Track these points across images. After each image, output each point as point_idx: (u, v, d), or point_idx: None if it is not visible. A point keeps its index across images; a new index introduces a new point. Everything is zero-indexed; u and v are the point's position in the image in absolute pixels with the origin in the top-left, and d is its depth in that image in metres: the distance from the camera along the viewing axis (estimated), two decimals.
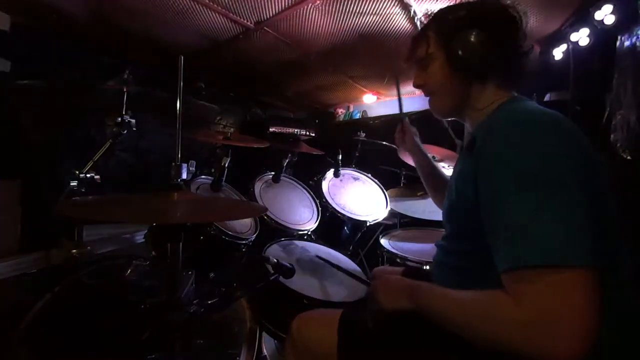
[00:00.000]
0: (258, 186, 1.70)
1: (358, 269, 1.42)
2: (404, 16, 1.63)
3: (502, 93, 0.77)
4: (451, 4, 0.96)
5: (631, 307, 0.61)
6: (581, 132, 0.62)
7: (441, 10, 0.83)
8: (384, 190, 1.95)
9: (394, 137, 1.31)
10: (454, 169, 0.92)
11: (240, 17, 1.68)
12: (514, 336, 0.51)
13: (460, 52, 0.74)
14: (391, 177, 2.21)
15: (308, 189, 1.88)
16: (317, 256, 1.35)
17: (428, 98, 0.87)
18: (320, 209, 1.77)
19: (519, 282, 0.52)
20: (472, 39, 0.73)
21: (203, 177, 1.59)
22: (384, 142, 2.04)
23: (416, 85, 0.87)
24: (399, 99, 1.31)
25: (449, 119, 0.92)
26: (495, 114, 0.73)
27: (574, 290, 0.49)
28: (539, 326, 0.49)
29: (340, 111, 3.48)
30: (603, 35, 1.49)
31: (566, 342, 0.47)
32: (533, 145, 0.58)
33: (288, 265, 1.09)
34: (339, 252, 1.51)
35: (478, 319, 0.57)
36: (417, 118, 2.76)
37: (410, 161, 1.86)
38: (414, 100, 2.83)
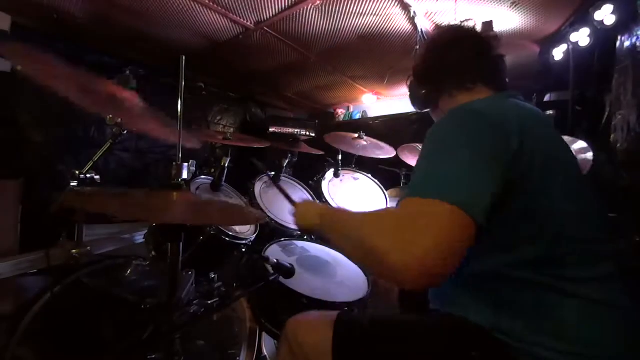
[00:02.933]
0: (258, 186, 1.69)
1: (358, 268, 1.42)
2: (404, 16, 1.63)
3: (472, 97, 0.82)
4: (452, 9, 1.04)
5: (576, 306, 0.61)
6: (526, 125, 0.67)
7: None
8: (384, 190, 1.95)
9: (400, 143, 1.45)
10: None
11: (240, 17, 1.68)
12: (374, 239, 0.59)
13: (416, 72, 0.95)
14: (391, 177, 2.21)
15: (308, 189, 1.88)
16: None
17: None
18: None
19: (409, 202, 0.60)
20: (414, 83, 0.96)
21: (203, 177, 1.59)
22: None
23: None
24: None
25: None
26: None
27: (435, 220, 0.55)
28: (392, 233, 0.57)
29: (340, 111, 3.48)
30: (603, 36, 1.49)
31: (417, 252, 0.53)
32: (448, 124, 0.70)
33: (288, 265, 1.09)
34: (339, 252, 1.51)
35: (363, 225, 0.66)
36: (417, 118, 2.77)
37: (410, 161, 1.87)
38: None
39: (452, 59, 0.87)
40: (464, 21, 0.91)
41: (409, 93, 1.01)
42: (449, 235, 0.54)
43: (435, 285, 0.57)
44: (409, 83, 1.00)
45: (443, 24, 0.98)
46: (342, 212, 0.84)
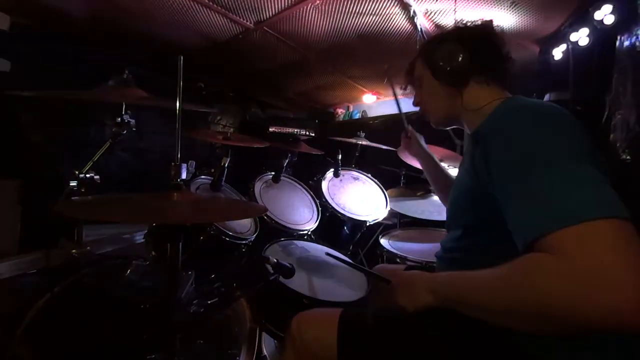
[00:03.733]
0: (258, 186, 1.69)
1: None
2: (404, 16, 1.63)
3: (498, 94, 0.80)
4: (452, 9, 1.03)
5: None
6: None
7: (424, 42, 0.98)
8: (384, 190, 1.95)
9: (399, 143, 1.40)
10: (459, 168, 0.95)
11: (240, 17, 1.68)
12: (567, 292, 0.45)
13: (437, 62, 0.85)
14: (391, 177, 2.21)
15: (308, 189, 1.88)
16: (327, 253, 1.34)
17: (425, 115, 0.99)
18: (320, 209, 1.77)
19: (562, 239, 0.48)
20: (447, 50, 0.84)
21: (203, 177, 1.59)
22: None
23: (415, 104, 1.03)
24: (397, 101, 1.40)
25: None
26: (497, 110, 0.75)
27: (624, 238, 0.46)
28: (595, 276, 0.44)
29: (340, 111, 3.48)
30: (603, 35, 1.49)
31: (630, 291, 0.42)
32: (544, 125, 0.61)
33: (288, 265, 1.09)
34: (339, 252, 1.51)
35: (519, 289, 0.51)
36: (417, 118, 2.77)
37: (410, 161, 1.87)
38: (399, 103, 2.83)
39: (496, 45, 0.83)
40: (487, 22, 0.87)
41: (438, 53, 0.85)
42: (632, 253, 0.45)
43: None
44: (444, 43, 0.85)
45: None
46: (455, 278, 0.66)
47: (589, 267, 0.44)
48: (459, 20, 0.90)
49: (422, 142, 1.32)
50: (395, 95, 1.42)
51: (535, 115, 0.63)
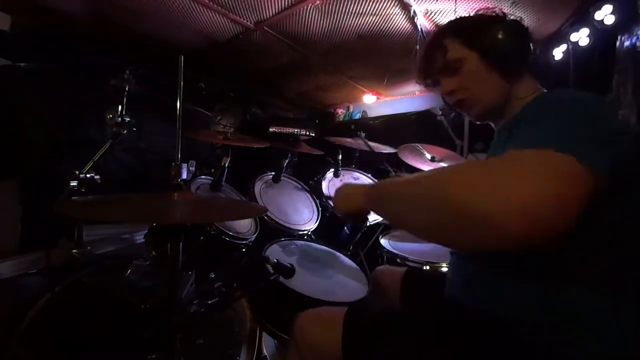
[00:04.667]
0: (258, 186, 1.70)
1: (358, 268, 1.42)
2: (404, 16, 1.63)
3: (535, 87, 0.78)
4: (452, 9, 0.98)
5: None
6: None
7: (450, 22, 0.85)
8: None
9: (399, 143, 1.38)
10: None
11: (240, 17, 1.68)
12: (470, 192, 0.48)
13: (495, 47, 0.75)
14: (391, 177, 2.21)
15: (308, 189, 1.88)
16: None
17: (463, 105, 0.84)
18: (320, 209, 1.77)
19: (510, 153, 0.52)
20: (502, 35, 0.75)
21: (203, 177, 1.59)
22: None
23: (448, 92, 0.84)
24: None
25: (451, 117, 0.92)
26: (539, 97, 0.73)
27: (550, 166, 0.48)
28: (503, 181, 0.47)
29: (340, 111, 3.48)
30: (603, 35, 1.49)
31: (516, 212, 0.44)
32: (581, 104, 0.59)
33: (288, 265, 1.09)
34: (339, 252, 1.51)
35: (442, 183, 0.54)
36: (417, 118, 2.77)
37: (410, 161, 1.87)
38: (413, 100, 2.83)
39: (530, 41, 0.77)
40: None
41: (502, 37, 0.75)
42: (554, 180, 0.46)
43: (552, 240, 0.44)
44: (494, 24, 0.77)
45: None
46: (392, 183, 0.69)
47: (492, 174, 0.48)
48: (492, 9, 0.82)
49: None
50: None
51: (576, 97, 0.61)
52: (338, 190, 0.88)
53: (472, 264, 0.77)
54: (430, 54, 0.84)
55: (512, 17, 0.80)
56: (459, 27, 0.81)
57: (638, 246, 0.58)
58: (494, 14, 0.80)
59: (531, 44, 0.78)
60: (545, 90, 0.78)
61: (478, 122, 0.87)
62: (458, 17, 0.86)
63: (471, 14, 0.84)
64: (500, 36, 0.75)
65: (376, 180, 1.94)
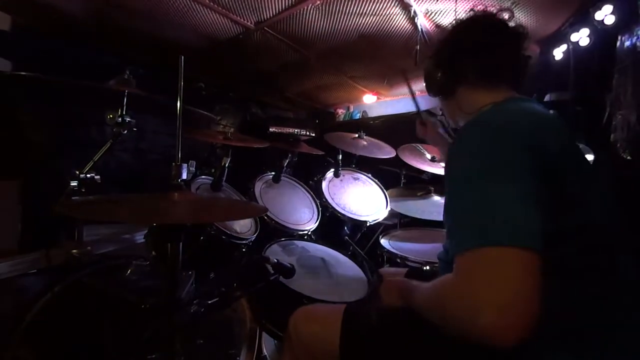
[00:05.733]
0: (258, 186, 1.70)
1: (358, 268, 1.42)
2: (404, 16, 1.63)
3: (490, 97, 0.79)
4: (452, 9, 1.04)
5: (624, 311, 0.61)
6: (546, 135, 0.64)
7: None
8: (384, 190, 1.95)
9: (399, 143, 1.44)
10: None
11: (240, 17, 1.68)
12: (451, 310, 0.54)
13: (426, 81, 0.92)
14: (391, 177, 2.21)
15: (308, 189, 1.88)
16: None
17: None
18: (320, 209, 1.77)
19: (457, 264, 0.55)
20: (426, 70, 0.90)
21: (203, 177, 1.59)
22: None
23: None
24: (414, 98, 1.45)
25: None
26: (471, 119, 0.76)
27: (510, 266, 0.50)
28: (465, 297, 0.51)
29: (340, 111, 3.48)
30: (603, 35, 1.49)
31: (488, 315, 0.48)
32: (473, 145, 0.64)
33: (288, 265, 1.09)
34: (339, 252, 1.51)
35: (433, 301, 0.62)
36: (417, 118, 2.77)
37: (410, 161, 1.87)
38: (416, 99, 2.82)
39: (483, 44, 0.81)
40: (500, 11, 0.86)
41: (424, 75, 0.92)
42: (514, 282, 0.49)
43: (531, 332, 0.48)
44: (426, 64, 0.92)
45: (477, 12, 0.88)
46: (410, 292, 0.74)
47: (467, 291, 0.51)
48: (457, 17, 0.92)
49: (440, 130, 1.37)
50: (410, 89, 1.45)
51: (481, 132, 0.65)
52: (384, 283, 0.93)
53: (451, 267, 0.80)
54: None
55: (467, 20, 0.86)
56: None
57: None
58: (451, 28, 0.89)
59: (483, 52, 0.81)
60: (492, 104, 0.78)
61: None
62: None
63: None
64: (425, 73, 0.91)
65: (381, 188, 1.96)
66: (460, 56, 0.83)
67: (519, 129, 0.64)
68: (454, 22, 0.90)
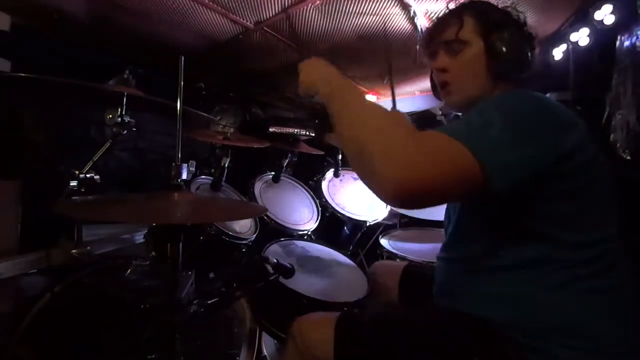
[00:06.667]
0: (258, 186, 1.70)
1: (358, 268, 1.42)
2: (404, 16, 1.63)
3: (505, 85, 0.80)
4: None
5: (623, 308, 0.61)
6: (578, 128, 0.65)
7: (480, 2, 0.82)
8: None
9: None
10: None
11: (240, 17, 1.68)
12: (382, 148, 0.56)
13: (503, 47, 0.74)
14: None
15: (308, 189, 1.88)
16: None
17: (444, 88, 0.84)
18: (320, 209, 1.77)
19: (433, 135, 0.58)
20: (513, 38, 0.75)
21: (203, 177, 1.59)
22: None
23: (438, 68, 0.82)
24: (394, 101, 1.36)
25: (451, 117, 0.94)
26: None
27: (444, 149, 0.55)
28: (396, 152, 0.54)
29: None
30: (603, 35, 1.49)
31: (394, 164, 0.53)
32: (513, 103, 0.64)
33: (288, 265, 1.09)
34: (339, 252, 1.51)
35: (373, 120, 0.63)
36: (417, 118, 2.77)
37: None
38: (413, 100, 2.82)
39: (527, 45, 0.78)
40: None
41: (508, 34, 0.75)
42: (443, 164, 0.54)
43: (406, 206, 0.55)
44: (515, 26, 0.78)
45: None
46: (348, 94, 0.74)
47: (403, 140, 0.56)
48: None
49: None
50: (393, 91, 1.39)
51: (527, 98, 0.66)
52: (306, 62, 0.87)
53: (452, 265, 0.81)
54: (446, 21, 0.81)
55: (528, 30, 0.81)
56: (484, 11, 0.79)
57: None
58: (517, 17, 0.81)
59: (531, 59, 0.79)
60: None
61: (452, 111, 0.92)
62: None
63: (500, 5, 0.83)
64: (512, 40, 0.75)
65: None
66: (530, 46, 0.78)
67: (559, 110, 0.66)
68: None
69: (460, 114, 0.90)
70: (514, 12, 0.82)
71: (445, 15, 0.83)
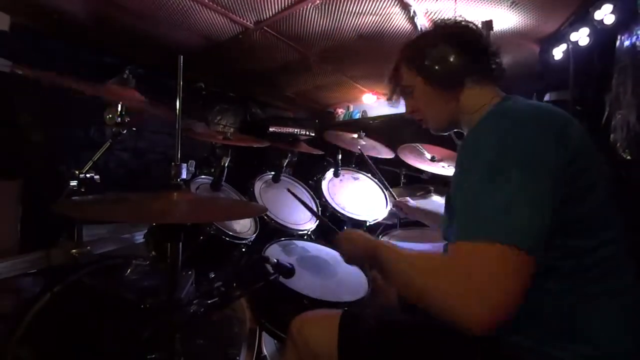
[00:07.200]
0: (258, 186, 1.69)
1: (358, 268, 1.42)
2: (404, 16, 1.63)
3: (493, 94, 0.78)
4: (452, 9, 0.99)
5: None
6: (566, 127, 0.63)
7: (405, 46, 0.89)
8: (384, 190, 1.95)
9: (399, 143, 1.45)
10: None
11: (240, 17, 1.68)
12: (438, 289, 0.56)
13: (431, 68, 0.80)
14: (391, 177, 2.21)
15: (308, 188, 1.88)
16: (288, 189, 1.36)
17: (422, 123, 0.92)
18: (320, 209, 1.77)
19: (459, 248, 0.57)
20: (437, 53, 0.79)
21: (203, 177, 1.59)
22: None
23: (409, 113, 0.93)
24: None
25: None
26: (485, 115, 0.73)
27: (502, 265, 0.52)
28: (458, 284, 0.54)
29: (340, 111, 3.48)
30: (603, 35, 1.49)
31: (478, 307, 0.51)
32: (496, 135, 0.62)
33: (288, 265, 1.09)
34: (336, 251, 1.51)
35: (416, 273, 0.63)
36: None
37: (410, 161, 1.87)
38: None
39: (484, 46, 0.79)
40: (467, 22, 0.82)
41: (432, 58, 0.79)
42: (508, 283, 0.52)
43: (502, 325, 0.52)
44: (433, 47, 0.80)
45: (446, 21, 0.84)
46: (390, 250, 0.75)
47: (463, 281, 0.54)
48: (435, 20, 0.87)
49: (412, 203, 1.42)
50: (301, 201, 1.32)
51: (514, 121, 0.64)
52: (346, 237, 0.91)
53: None
54: (392, 78, 0.93)
55: (462, 22, 0.82)
56: (411, 54, 0.85)
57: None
58: (440, 25, 0.84)
59: (481, 49, 0.79)
60: (498, 100, 0.77)
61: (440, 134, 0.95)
62: (416, 37, 0.88)
63: (423, 31, 0.91)
64: (434, 55, 0.79)
65: (381, 188, 1.95)
66: (471, 45, 0.79)
67: (551, 120, 0.64)
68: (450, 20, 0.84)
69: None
70: (437, 25, 0.85)
71: (391, 73, 0.93)
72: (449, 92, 0.81)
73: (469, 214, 0.59)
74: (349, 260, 0.92)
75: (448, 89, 0.80)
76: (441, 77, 0.79)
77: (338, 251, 0.95)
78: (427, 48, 0.81)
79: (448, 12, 1.59)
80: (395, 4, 1.53)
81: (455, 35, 0.80)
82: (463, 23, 0.83)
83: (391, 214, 1.87)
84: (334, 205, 1.74)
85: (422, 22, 1.66)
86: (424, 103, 0.86)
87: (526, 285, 0.52)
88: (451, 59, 0.78)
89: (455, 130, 0.91)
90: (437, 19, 0.87)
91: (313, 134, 2.82)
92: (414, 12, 1.57)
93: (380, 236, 1.72)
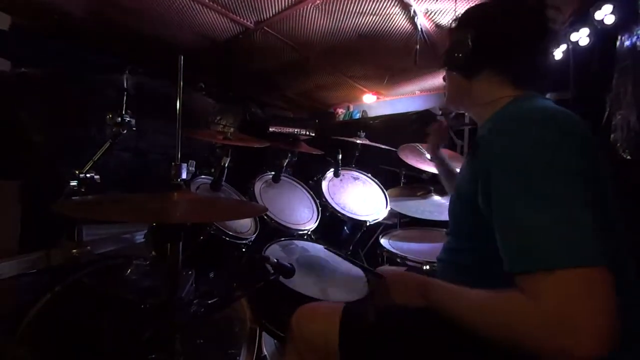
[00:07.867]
0: (258, 186, 1.69)
1: (358, 269, 1.42)
2: (404, 16, 1.63)
3: (511, 90, 0.76)
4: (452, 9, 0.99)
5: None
6: (585, 130, 0.63)
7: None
8: (384, 190, 1.95)
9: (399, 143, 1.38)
10: (460, 169, 0.94)
11: (240, 17, 1.68)
12: (534, 334, 0.50)
13: (449, 51, 0.82)
14: (391, 177, 2.21)
15: (308, 188, 1.88)
16: (325, 247, 1.35)
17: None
18: (320, 208, 1.77)
19: (536, 282, 0.52)
20: (459, 38, 0.79)
21: (203, 177, 1.59)
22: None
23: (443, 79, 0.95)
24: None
25: (451, 116, 0.95)
26: (500, 112, 0.73)
27: (591, 288, 0.49)
28: (559, 323, 0.48)
29: (340, 111, 3.48)
30: (603, 35, 1.49)
31: (587, 338, 0.47)
32: (532, 141, 0.59)
33: (288, 265, 1.09)
34: (339, 251, 1.51)
35: (493, 317, 0.57)
36: (417, 118, 2.77)
37: (410, 161, 1.87)
38: (413, 100, 2.83)
39: (532, 42, 0.74)
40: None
41: (454, 41, 0.81)
42: (599, 303, 0.49)
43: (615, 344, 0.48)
44: (460, 32, 0.79)
45: None
46: (438, 289, 0.70)
47: (554, 314, 0.49)
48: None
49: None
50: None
51: (540, 130, 0.60)
52: (393, 280, 0.83)
53: (452, 268, 0.80)
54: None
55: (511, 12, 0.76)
56: (454, 29, 0.85)
57: None
58: (485, 9, 0.80)
59: (515, 43, 0.74)
60: (513, 98, 0.75)
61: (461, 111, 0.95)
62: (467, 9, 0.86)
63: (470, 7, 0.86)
64: (456, 41, 0.80)
65: (381, 188, 1.94)
66: (507, 42, 0.75)
67: (579, 126, 0.63)
68: None
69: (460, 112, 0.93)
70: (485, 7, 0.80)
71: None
72: (462, 78, 0.82)
73: (529, 238, 0.54)
74: (401, 303, 0.80)
75: (462, 75, 0.82)
76: (451, 59, 0.83)
77: (388, 298, 0.81)
78: (459, 29, 0.82)
79: (448, 12, 1.59)
80: (396, 4, 1.53)
81: (480, 25, 0.77)
82: (512, 13, 0.75)
83: (391, 214, 1.88)
84: (334, 205, 1.74)
85: (423, 22, 1.66)
86: (446, 77, 0.90)
87: (614, 296, 0.49)
88: (465, 46, 0.77)
89: (455, 129, 0.92)
90: (438, 20, 0.87)
91: (313, 134, 2.82)
92: (414, 12, 1.57)
93: (380, 236, 1.72)
